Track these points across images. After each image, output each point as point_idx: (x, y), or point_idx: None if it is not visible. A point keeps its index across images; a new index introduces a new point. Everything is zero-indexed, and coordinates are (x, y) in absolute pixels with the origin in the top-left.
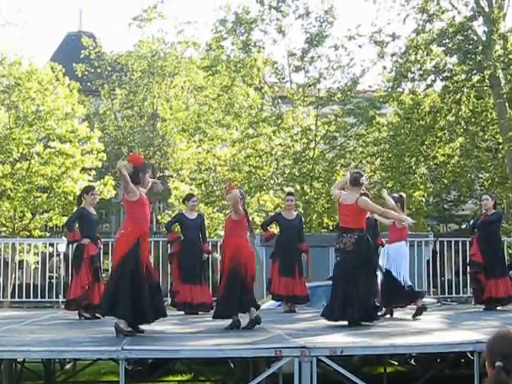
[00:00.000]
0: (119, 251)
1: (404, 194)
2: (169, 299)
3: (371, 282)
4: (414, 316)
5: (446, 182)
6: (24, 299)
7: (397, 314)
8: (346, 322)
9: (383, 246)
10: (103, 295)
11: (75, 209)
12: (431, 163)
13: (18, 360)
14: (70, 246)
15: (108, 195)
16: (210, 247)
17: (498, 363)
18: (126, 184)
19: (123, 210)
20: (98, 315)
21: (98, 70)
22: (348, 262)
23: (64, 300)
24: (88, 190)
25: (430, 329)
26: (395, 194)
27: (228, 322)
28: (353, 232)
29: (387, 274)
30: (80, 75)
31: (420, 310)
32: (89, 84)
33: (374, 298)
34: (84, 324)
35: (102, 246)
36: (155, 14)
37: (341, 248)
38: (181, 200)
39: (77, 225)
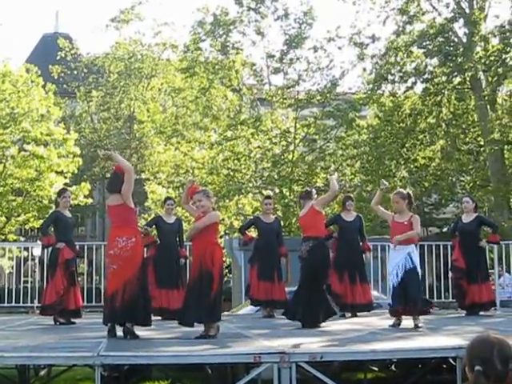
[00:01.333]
0: (137, 260)
1: (410, 192)
2: None
3: (318, 288)
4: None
5: (426, 185)
6: None
7: (373, 318)
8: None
9: (370, 251)
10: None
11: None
12: (412, 166)
13: None
14: (45, 250)
15: (84, 201)
16: (187, 252)
17: (477, 367)
18: (129, 185)
19: (99, 214)
20: (73, 320)
21: (75, 72)
22: (302, 269)
23: (39, 305)
24: (60, 192)
25: (410, 334)
26: (402, 190)
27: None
28: (308, 240)
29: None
30: (56, 77)
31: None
32: (65, 86)
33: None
34: (59, 329)
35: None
36: (132, 16)
37: (299, 256)
38: (158, 203)
39: (52, 228)
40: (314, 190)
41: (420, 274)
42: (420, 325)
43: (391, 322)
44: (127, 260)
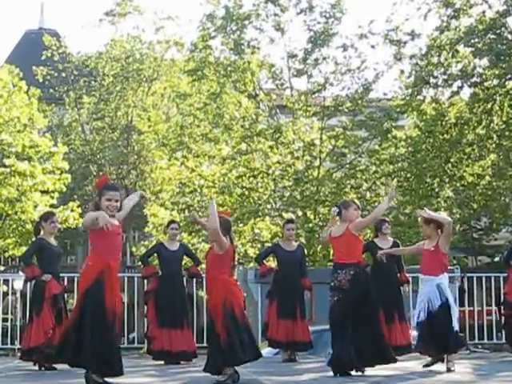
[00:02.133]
0: (79, 288)
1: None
2: (145, 346)
3: (373, 324)
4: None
5: (475, 206)
6: None
7: (413, 363)
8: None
9: (409, 283)
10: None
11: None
12: (458, 184)
13: None
14: (28, 283)
15: (74, 223)
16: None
17: None
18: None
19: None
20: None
21: (63, 75)
22: (343, 301)
23: (21, 347)
24: (47, 216)
25: (458, 381)
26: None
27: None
28: (346, 267)
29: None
30: (41, 80)
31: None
32: (51, 91)
33: (379, 339)
34: (44, 376)
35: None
36: (130, 9)
37: (335, 286)
38: (160, 228)
39: (35, 258)
40: (354, 204)
41: (455, 308)
42: (452, 368)
43: (424, 361)
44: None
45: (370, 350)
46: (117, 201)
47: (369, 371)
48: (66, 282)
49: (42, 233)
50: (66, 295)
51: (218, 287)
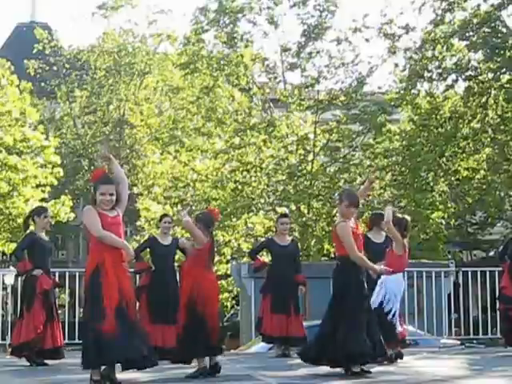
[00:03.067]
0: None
1: (408, 218)
2: None
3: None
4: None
5: (470, 200)
6: None
7: (406, 357)
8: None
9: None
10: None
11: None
12: (452, 178)
13: None
14: (19, 277)
15: (65, 217)
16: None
17: None
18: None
19: (83, 236)
20: (48, 362)
21: (54, 68)
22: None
23: (12, 343)
24: (40, 211)
25: (452, 376)
26: (399, 215)
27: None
28: (336, 260)
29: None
30: (32, 74)
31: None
32: (43, 84)
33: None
34: (37, 372)
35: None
36: (123, 2)
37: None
38: (152, 223)
39: (26, 254)
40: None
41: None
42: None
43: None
44: None
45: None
46: (111, 194)
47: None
48: (56, 278)
49: (32, 227)
50: (56, 290)
51: (188, 280)
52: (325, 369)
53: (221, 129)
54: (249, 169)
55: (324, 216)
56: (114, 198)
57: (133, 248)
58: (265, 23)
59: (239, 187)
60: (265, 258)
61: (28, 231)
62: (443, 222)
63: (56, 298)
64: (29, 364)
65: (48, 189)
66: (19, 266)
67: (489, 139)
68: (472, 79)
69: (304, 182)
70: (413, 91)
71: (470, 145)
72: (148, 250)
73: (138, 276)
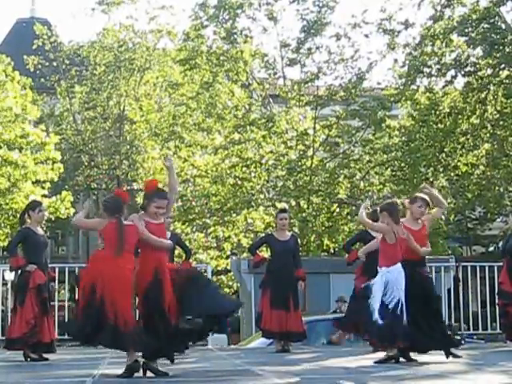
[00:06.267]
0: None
1: (398, 200)
2: None
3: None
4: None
5: (469, 196)
6: None
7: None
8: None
9: None
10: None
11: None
12: (452, 174)
13: None
14: (14, 273)
15: (65, 213)
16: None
17: None
18: None
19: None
20: (45, 356)
21: (54, 64)
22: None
23: (5, 337)
24: (35, 205)
25: (450, 371)
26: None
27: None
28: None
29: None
30: (32, 69)
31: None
32: (43, 80)
33: None
34: (35, 367)
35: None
36: None
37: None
38: None
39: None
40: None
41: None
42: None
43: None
44: None
45: None
46: (163, 208)
47: (360, 361)
48: (56, 273)
49: (28, 222)
50: (51, 285)
51: (88, 268)
52: (324, 363)
53: (220, 124)
54: (248, 164)
55: (324, 211)
56: (165, 210)
57: None
58: (264, 19)
59: (239, 183)
60: (264, 253)
61: (23, 226)
62: (443, 217)
63: (51, 292)
64: (24, 359)
65: (48, 185)
66: (12, 262)
67: (488, 135)
68: (471, 75)
69: (304, 177)
70: (412, 87)
71: (470, 140)
72: None
73: None
